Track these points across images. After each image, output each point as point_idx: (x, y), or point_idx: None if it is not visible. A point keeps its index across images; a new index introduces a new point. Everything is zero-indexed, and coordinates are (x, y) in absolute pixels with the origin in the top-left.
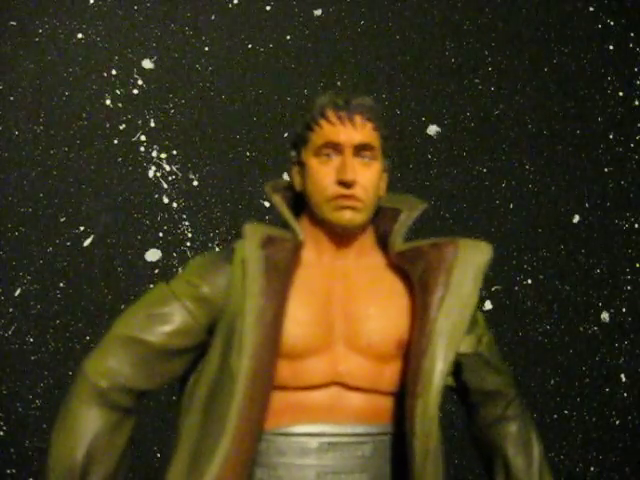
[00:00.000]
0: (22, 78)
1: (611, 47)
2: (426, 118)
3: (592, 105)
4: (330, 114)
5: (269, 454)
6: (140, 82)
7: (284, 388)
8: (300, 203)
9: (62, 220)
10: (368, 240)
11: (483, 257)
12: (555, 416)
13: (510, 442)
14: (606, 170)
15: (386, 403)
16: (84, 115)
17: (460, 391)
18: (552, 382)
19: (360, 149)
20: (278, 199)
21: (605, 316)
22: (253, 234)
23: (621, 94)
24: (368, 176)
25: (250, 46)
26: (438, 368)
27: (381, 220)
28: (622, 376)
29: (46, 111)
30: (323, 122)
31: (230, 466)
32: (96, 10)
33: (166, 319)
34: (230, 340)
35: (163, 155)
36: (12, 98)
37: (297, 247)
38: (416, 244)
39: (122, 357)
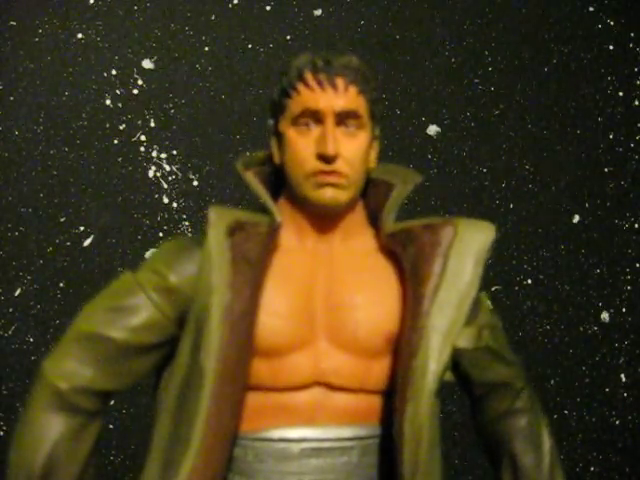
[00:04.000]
0: (22, 78)
1: (611, 47)
2: (426, 118)
3: (592, 105)
4: (308, 77)
5: (246, 460)
6: (140, 82)
7: (261, 389)
8: (281, 179)
9: (62, 220)
10: (356, 219)
11: (485, 239)
12: (555, 416)
13: (518, 437)
14: (606, 170)
15: (374, 403)
16: (84, 115)
17: (462, 384)
18: (552, 382)
19: (343, 117)
20: (250, 176)
21: (605, 316)
22: (218, 220)
23: (621, 94)
24: (353, 148)
25: (250, 46)
26: (430, 369)
27: (372, 194)
28: (622, 376)
29: (46, 111)
30: (301, 87)
31: (199, 474)
32: (96, 10)
33: (131, 312)
34: (199, 335)
35: (163, 155)
36: (12, 98)
37: (274, 231)
38: (408, 225)
39: (83, 356)
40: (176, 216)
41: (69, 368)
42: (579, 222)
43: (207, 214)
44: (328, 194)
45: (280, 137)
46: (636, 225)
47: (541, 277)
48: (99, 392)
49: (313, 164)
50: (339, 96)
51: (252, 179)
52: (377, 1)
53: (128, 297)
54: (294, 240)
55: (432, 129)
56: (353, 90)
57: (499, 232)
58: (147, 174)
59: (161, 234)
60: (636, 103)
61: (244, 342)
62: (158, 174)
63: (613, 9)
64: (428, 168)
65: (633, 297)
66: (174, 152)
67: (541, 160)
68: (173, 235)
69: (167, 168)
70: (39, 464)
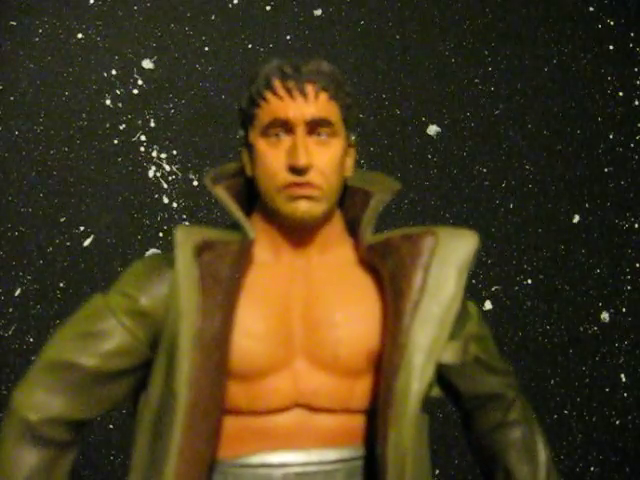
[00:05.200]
0: (22, 78)
1: (611, 47)
2: (426, 118)
3: (592, 105)
4: (277, 85)
5: None
6: (140, 82)
7: (239, 413)
8: (254, 191)
9: (62, 220)
10: (334, 231)
11: (467, 248)
12: (555, 416)
13: (513, 450)
14: (606, 170)
15: (358, 423)
16: (84, 115)
17: (451, 397)
18: (552, 382)
19: (315, 125)
20: (220, 191)
21: (605, 316)
22: (185, 241)
23: (621, 94)
24: (326, 157)
25: (250, 46)
26: (413, 389)
27: (350, 203)
28: (622, 376)
29: (46, 111)
30: (269, 95)
31: None
32: (96, 10)
33: (102, 338)
34: (171, 361)
35: (163, 155)
36: (12, 98)
37: (247, 247)
38: (387, 236)
39: (53, 386)
40: (176, 216)
41: (39, 399)
42: (579, 222)
43: (173, 235)
44: (302, 207)
45: (251, 148)
46: (636, 225)
47: (541, 277)
48: (71, 422)
49: (284, 176)
50: (309, 104)
51: (222, 194)
52: (377, 1)
53: (98, 322)
54: (269, 255)
55: (432, 129)
56: (324, 97)
57: (499, 232)
58: (147, 174)
59: (161, 234)
60: (636, 103)
61: (217, 366)
62: (158, 174)
63: (613, 9)
64: (428, 168)
65: (633, 297)
66: (174, 152)
67: (541, 160)
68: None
69: (167, 168)
70: None
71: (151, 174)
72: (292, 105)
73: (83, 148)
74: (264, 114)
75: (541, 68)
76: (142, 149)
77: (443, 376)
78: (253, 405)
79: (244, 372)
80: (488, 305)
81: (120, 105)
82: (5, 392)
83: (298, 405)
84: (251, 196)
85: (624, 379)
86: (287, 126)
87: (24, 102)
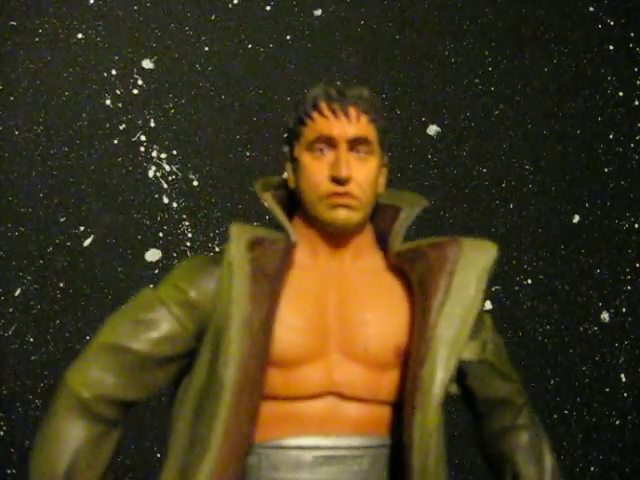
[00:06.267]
0: (22, 78)
1: (611, 47)
2: (426, 118)
3: (592, 105)
4: (323, 106)
5: (260, 468)
6: (140, 82)
7: (276, 398)
8: (294, 202)
9: (62, 220)
10: (366, 240)
11: (487, 258)
12: (555, 416)
13: (520, 452)
14: (606, 170)
15: (385, 413)
16: (84, 115)
17: (466, 399)
18: (552, 382)
19: (355, 143)
20: (269, 198)
21: (605, 316)
22: (240, 235)
23: (621, 94)
24: (364, 172)
25: (250, 46)
26: (438, 377)
27: (380, 218)
28: (622, 376)
29: (46, 111)
30: (315, 115)
31: None
32: (96, 10)
33: (152, 326)
34: (218, 347)
35: (163, 155)
36: (12, 98)
37: (289, 249)
38: (415, 244)
39: (106, 366)
40: (176, 216)
41: (92, 377)
42: (579, 222)
43: (228, 230)
44: (341, 215)
45: (295, 162)
46: (636, 225)
47: (541, 277)
48: (120, 402)
49: (327, 186)
50: (351, 124)
51: (270, 200)
52: (377, 1)
53: (150, 311)
54: (307, 258)
55: (432, 129)
56: (364, 119)
57: (499, 232)
58: (147, 174)
59: (161, 234)
60: (636, 103)
61: (262, 353)
62: (158, 174)
63: (613, 9)
64: (428, 168)
65: (633, 297)
66: (174, 152)
67: (541, 160)
68: (173, 235)
69: (167, 168)
70: (63, 468)
71: (151, 174)
72: (336, 124)
73: (83, 148)
74: (310, 131)
75: (541, 68)
76: (142, 149)
77: (460, 379)
78: (289, 391)
79: (284, 361)
80: (488, 305)
81: (120, 105)
82: (5, 392)
83: (330, 393)
84: (290, 207)
85: (624, 379)
86: (331, 142)
87: (24, 102)
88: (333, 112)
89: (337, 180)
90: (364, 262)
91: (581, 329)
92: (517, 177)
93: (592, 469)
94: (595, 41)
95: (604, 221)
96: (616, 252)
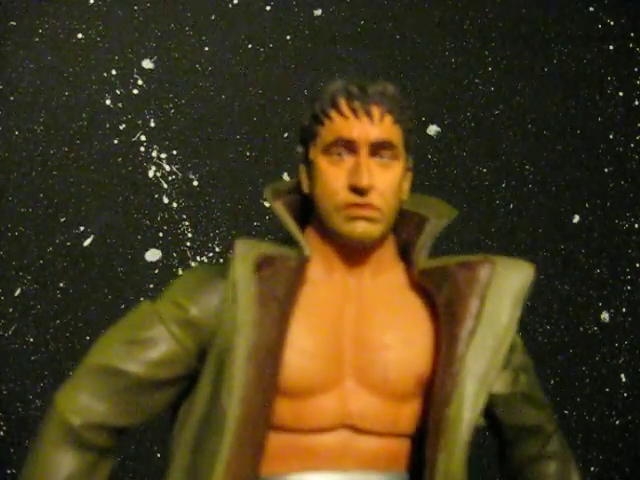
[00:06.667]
0: (22, 78)
1: (611, 47)
2: (426, 118)
3: (592, 105)
4: (342, 104)
5: None
6: (140, 82)
7: (285, 430)
8: (308, 208)
9: (62, 220)
10: (387, 253)
11: (523, 280)
12: (555, 416)
13: None
14: (606, 170)
15: (403, 447)
16: (84, 115)
17: (492, 426)
18: (552, 382)
19: (378, 147)
20: (280, 207)
21: (605, 316)
22: (246, 254)
23: (621, 94)
24: (387, 180)
25: (250, 46)
26: (465, 418)
27: (404, 227)
28: (622, 376)
29: (46, 111)
30: (334, 114)
31: None
32: (96, 10)
33: (149, 345)
34: (221, 371)
35: (163, 155)
36: (12, 98)
37: (302, 264)
38: (443, 262)
39: (98, 390)
40: (176, 216)
41: (82, 403)
42: (579, 222)
43: (232, 246)
44: (360, 228)
45: (310, 165)
46: (636, 225)
47: (541, 277)
48: (113, 428)
49: (345, 196)
50: (374, 125)
51: (282, 211)
52: (377, 1)
53: (147, 329)
54: (322, 273)
55: (432, 129)
56: (389, 120)
57: (499, 232)
58: (147, 174)
59: (161, 234)
60: (636, 103)
61: (269, 382)
62: (158, 174)
63: (613, 9)
64: (428, 168)
65: (633, 297)
66: (174, 152)
67: (541, 160)
68: (173, 235)
69: (167, 168)
70: None
71: (151, 174)
72: (357, 125)
73: (83, 148)
74: (327, 132)
75: (541, 68)
76: (142, 149)
77: (488, 407)
78: (299, 423)
79: (293, 389)
80: None
81: (120, 105)
82: (5, 392)
83: (344, 426)
84: (303, 212)
85: (624, 379)
86: (350, 146)
87: (24, 102)
88: (354, 111)
89: (356, 190)
90: (384, 278)
91: (581, 329)
92: (517, 177)
93: (592, 469)
94: (595, 41)
95: (604, 221)
96: (616, 252)
